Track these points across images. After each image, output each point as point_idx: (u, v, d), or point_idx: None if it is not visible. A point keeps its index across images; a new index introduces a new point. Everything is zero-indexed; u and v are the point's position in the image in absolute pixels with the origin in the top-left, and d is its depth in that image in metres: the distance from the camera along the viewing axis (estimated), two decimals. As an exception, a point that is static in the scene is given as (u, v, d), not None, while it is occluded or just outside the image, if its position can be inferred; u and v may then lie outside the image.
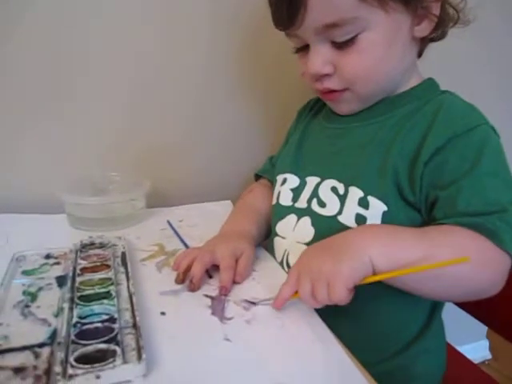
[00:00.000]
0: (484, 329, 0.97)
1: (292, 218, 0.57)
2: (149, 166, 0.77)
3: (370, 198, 0.50)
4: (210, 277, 0.52)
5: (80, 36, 0.70)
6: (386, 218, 0.50)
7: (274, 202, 0.62)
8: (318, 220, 0.55)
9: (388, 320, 0.54)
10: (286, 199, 0.59)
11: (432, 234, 0.45)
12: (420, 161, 0.48)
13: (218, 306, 0.47)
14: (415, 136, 0.50)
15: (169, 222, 0.68)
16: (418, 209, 0.50)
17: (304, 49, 0.54)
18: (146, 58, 0.74)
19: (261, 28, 0.74)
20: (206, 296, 0.49)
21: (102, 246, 0.57)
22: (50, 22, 0.68)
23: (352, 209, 0.51)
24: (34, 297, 0.47)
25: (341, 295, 0.42)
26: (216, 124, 0.82)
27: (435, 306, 0.56)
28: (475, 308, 0.66)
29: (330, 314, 0.45)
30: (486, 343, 1.24)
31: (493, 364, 1.20)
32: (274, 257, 0.59)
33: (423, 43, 0.56)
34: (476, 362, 1.08)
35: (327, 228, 0.52)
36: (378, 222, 0.50)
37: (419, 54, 0.57)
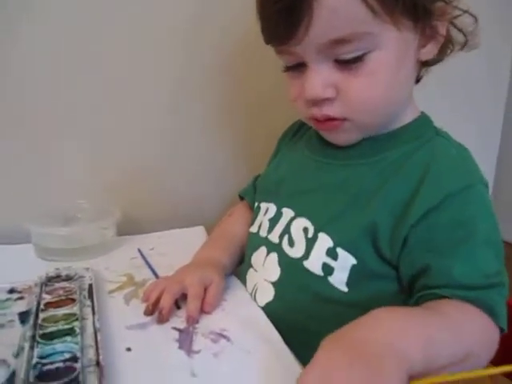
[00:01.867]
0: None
1: (263, 250, 0.56)
2: (119, 191, 0.76)
3: (339, 250, 0.47)
4: (179, 308, 0.51)
5: (48, 56, 0.69)
6: (356, 271, 0.47)
7: (255, 231, 0.59)
8: (284, 259, 0.52)
9: None
10: (263, 230, 0.57)
11: (454, 317, 0.40)
12: (407, 221, 0.44)
13: (185, 339, 0.47)
14: (403, 190, 0.46)
15: (139, 251, 0.67)
16: (393, 265, 0.46)
17: (297, 67, 0.48)
18: (115, 79, 0.74)
19: (248, 41, 0.72)
20: (174, 329, 0.48)
21: (68, 278, 0.55)
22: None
23: (319, 257, 0.49)
24: (-6, 335, 0.46)
25: None
26: (188, 148, 0.81)
27: None
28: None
29: (301, 345, 0.42)
30: None
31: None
32: (246, 286, 0.59)
33: (421, 70, 0.52)
34: None
35: (292, 270, 0.51)
36: (346, 274, 0.47)
37: (417, 80, 0.53)
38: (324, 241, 0.49)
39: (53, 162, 0.74)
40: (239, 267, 0.63)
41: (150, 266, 0.62)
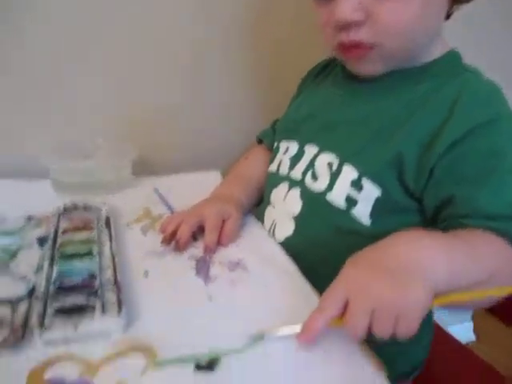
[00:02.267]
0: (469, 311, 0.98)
1: (284, 186, 0.55)
2: (137, 132, 0.75)
3: (365, 181, 0.47)
4: (196, 239, 0.51)
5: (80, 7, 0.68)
6: (379, 203, 0.46)
7: (274, 169, 0.59)
8: (306, 193, 0.52)
9: None
10: (284, 168, 0.57)
11: (477, 245, 0.39)
12: (434, 151, 0.43)
13: (202, 266, 0.47)
14: (431, 121, 0.45)
15: (156, 189, 0.67)
16: (416, 198, 0.46)
17: None
18: (136, 20, 0.71)
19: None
20: (192, 258, 0.48)
21: (85, 208, 0.55)
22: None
23: (343, 188, 0.48)
24: (13, 255, 0.46)
25: (414, 332, 0.33)
26: (207, 92, 0.79)
27: None
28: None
29: (321, 278, 0.41)
30: (470, 325, 1.26)
31: (476, 346, 1.21)
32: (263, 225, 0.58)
33: (451, 6, 0.48)
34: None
35: (315, 204, 0.51)
36: (370, 206, 0.46)
37: (447, 16, 0.50)
38: (348, 172, 0.48)
39: (70, 99, 0.72)
40: (256, 208, 0.63)
41: (166, 203, 0.62)
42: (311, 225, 0.51)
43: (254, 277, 0.45)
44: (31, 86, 0.71)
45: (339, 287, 0.35)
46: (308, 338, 0.35)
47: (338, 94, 0.56)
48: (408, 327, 0.33)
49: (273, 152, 0.62)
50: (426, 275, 0.34)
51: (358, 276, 0.35)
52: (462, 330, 1.22)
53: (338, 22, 0.46)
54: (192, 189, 0.69)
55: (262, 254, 0.50)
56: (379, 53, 0.47)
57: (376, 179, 0.46)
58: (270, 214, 0.57)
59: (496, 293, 0.37)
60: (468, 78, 0.48)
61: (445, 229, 0.43)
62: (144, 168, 0.73)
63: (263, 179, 0.62)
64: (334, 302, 0.34)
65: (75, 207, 0.56)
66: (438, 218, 0.45)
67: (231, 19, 0.76)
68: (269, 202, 0.57)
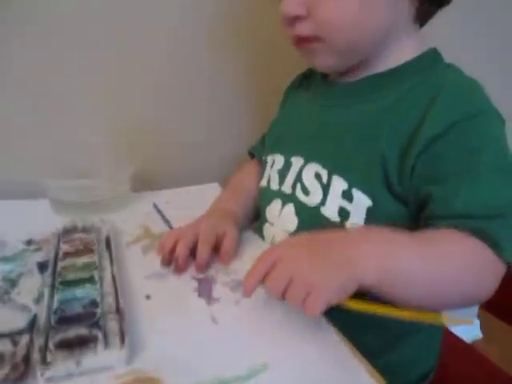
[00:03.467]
0: (475, 309, 0.98)
1: (277, 203, 0.55)
2: (134, 147, 0.74)
3: (355, 191, 0.46)
4: (195, 258, 0.51)
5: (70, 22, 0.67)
6: (371, 213, 0.46)
7: (264, 184, 0.59)
8: (301, 209, 0.52)
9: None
10: (274, 183, 0.56)
11: (430, 244, 0.40)
12: (412, 150, 0.43)
13: (204, 287, 0.46)
14: (409, 121, 0.45)
15: (154, 205, 0.66)
16: (406, 202, 0.45)
17: None
18: (132, 37, 0.71)
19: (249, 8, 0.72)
20: (193, 278, 0.48)
21: (85, 229, 0.55)
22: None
23: (335, 201, 0.48)
24: (13, 283, 0.46)
25: (316, 311, 0.35)
26: (202, 105, 0.79)
27: None
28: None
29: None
30: (476, 322, 1.25)
31: (483, 344, 1.21)
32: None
33: (423, 4, 0.48)
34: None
35: (310, 219, 0.50)
36: (362, 217, 0.46)
37: (421, 21, 0.50)
38: (339, 183, 0.48)
39: (66, 116, 0.72)
40: (254, 224, 0.62)
41: (165, 219, 0.62)
42: None
43: (257, 294, 0.45)
44: (28, 105, 0.70)
45: (269, 253, 0.39)
46: (246, 293, 0.39)
47: (318, 103, 0.56)
48: (312, 306, 0.35)
49: (262, 166, 0.62)
50: (354, 272, 0.37)
51: (294, 249, 0.39)
52: (469, 328, 1.22)
53: (283, 16, 0.48)
54: (191, 202, 0.69)
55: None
56: (326, 46, 0.48)
57: (365, 189, 0.46)
58: (268, 231, 0.56)
59: (415, 317, 0.37)
60: (447, 75, 0.47)
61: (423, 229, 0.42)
62: (142, 183, 0.72)
63: (257, 190, 0.62)
64: (264, 265, 0.38)
65: (75, 228, 0.56)
66: (419, 218, 0.44)
67: (225, 31, 0.76)
68: (265, 220, 0.57)
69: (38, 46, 0.68)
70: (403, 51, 0.49)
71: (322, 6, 0.45)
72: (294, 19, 0.48)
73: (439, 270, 0.39)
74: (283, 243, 0.43)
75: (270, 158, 0.59)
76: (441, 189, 0.42)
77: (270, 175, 0.58)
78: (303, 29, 0.48)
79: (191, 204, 0.67)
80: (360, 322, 0.41)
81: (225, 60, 0.78)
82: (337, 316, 0.40)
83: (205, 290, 0.46)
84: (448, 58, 0.50)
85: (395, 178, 0.45)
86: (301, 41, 0.50)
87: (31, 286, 0.45)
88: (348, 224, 0.47)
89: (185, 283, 0.47)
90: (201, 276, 0.48)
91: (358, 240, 0.40)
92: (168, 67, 0.76)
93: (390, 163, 0.45)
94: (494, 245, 0.39)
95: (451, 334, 0.73)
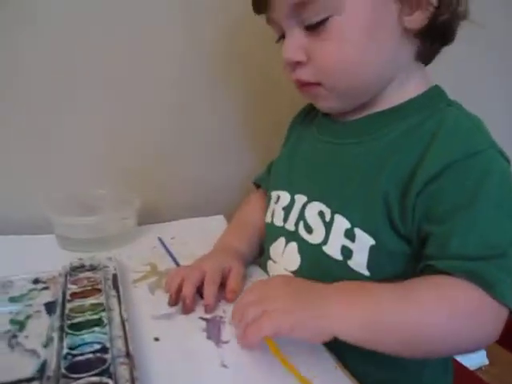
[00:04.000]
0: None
1: (281, 241, 0.55)
2: (138, 180, 0.76)
3: (357, 231, 0.46)
4: (202, 297, 0.51)
5: (70, 52, 0.69)
6: (374, 252, 0.46)
7: (269, 220, 0.59)
8: (303, 247, 0.52)
9: None
10: (278, 219, 0.56)
11: (413, 293, 0.40)
12: (413, 189, 0.43)
13: (213, 328, 0.46)
14: (410, 160, 0.44)
15: (160, 240, 0.67)
16: (409, 241, 0.45)
17: (284, 37, 0.50)
18: (131, 69, 0.73)
19: (250, 31, 0.73)
20: (201, 318, 0.48)
21: (92, 268, 0.55)
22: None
23: (338, 240, 0.48)
24: (21, 326, 0.46)
25: (255, 336, 0.39)
26: (206, 137, 0.80)
27: None
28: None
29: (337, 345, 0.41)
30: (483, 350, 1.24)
31: (490, 370, 1.20)
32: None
33: (424, 43, 0.48)
34: (473, 368, 1.08)
35: (313, 257, 0.50)
36: (365, 255, 0.46)
37: (424, 59, 0.50)
38: (341, 222, 0.48)
39: (71, 151, 0.73)
40: (260, 259, 0.62)
41: (171, 255, 0.62)
42: (311, 279, 0.51)
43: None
44: (33, 141, 0.71)
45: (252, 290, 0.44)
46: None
47: (321, 139, 0.56)
48: (257, 329, 0.39)
49: (266, 200, 0.62)
50: (322, 322, 0.39)
51: (273, 288, 0.43)
52: (476, 355, 1.21)
53: (284, 61, 0.49)
54: (197, 235, 0.69)
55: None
56: (326, 91, 0.49)
57: (368, 228, 0.46)
58: (272, 268, 0.57)
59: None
60: (448, 113, 0.47)
61: (421, 271, 0.42)
62: (146, 216, 0.73)
63: (263, 225, 0.62)
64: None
65: (82, 266, 0.56)
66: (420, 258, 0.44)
67: (222, 66, 0.77)
68: (269, 257, 0.57)
69: (38, 84, 0.69)
70: (406, 90, 0.49)
71: (321, 52, 0.46)
72: (295, 64, 0.49)
73: (420, 321, 0.39)
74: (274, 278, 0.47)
75: (274, 194, 0.59)
76: (438, 229, 0.42)
77: (274, 210, 0.58)
78: (303, 74, 0.49)
79: (196, 237, 0.68)
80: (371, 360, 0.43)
81: (226, 95, 0.80)
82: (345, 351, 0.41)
83: (213, 331, 0.45)
84: (455, 94, 0.51)
85: (397, 217, 0.45)
86: (302, 85, 0.50)
87: (39, 328, 0.45)
88: (351, 263, 0.47)
89: (193, 323, 0.47)
90: (208, 316, 0.48)
91: (339, 297, 0.41)
92: (170, 103, 0.77)
93: (393, 202, 0.45)
94: (489, 288, 0.38)
95: (456, 361, 0.72)
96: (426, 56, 0.50)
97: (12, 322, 0.46)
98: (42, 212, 0.64)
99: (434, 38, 0.48)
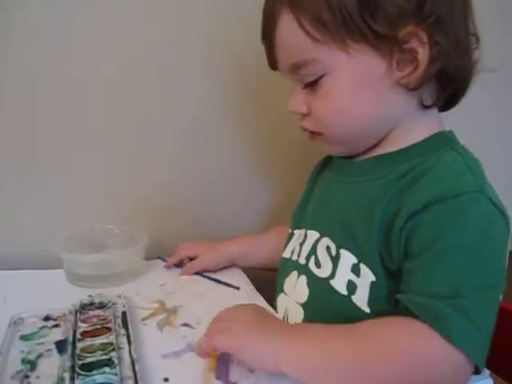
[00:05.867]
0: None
1: (294, 274, 0.57)
2: (146, 216, 0.77)
3: (362, 266, 0.48)
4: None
5: (72, 88, 0.71)
6: (374, 289, 0.47)
7: (287, 256, 0.60)
8: (312, 280, 0.53)
9: None
10: (295, 255, 0.59)
11: (359, 335, 0.43)
12: (396, 225, 0.45)
13: (221, 367, 0.46)
14: (398, 199, 0.46)
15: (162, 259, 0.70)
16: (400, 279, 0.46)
17: None
18: (138, 106, 0.75)
19: (264, 73, 0.75)
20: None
21: (101, 305, 0.56)
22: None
23: (345, 274, 0.49)
24: (33, 365, 0.46)
25: (207, 345, 0.47)
26: (211, 173, 0.82)
27: None
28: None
29: None
30: (489, 382, 1.22)
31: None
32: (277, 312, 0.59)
33: (430, 92, 0.49)
34: (482, 402, 1.06)
35: (320, 291, 0.52)
36: (367, 292, 0.47)
37: (435, 105, 0.50)
38: (347, 257, 0.50)
39: (80, 188, 0.75)
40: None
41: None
42: (317, 311, 0.52)
43: (275, 376, 0.45)
44: (41, 176, 0.73)
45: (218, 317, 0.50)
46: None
47: (334, 178, 0.59)
48: (212, 338, 0.46)
49: (287, 237, 0.64)
50: (270, 356, 0.43)
51: (235, 314, 0.49)
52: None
53: (291, 112, 0.53)
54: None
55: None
56: (327, 139, 0.53)
57: (370, 264, 0.48)
58: (282, 301, 0.58)
59: None
60: (446, 155, 0.47)
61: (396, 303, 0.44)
62: (154, 250, 0.74)
63: (273, 249, 0.68)
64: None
65: (91, 303, 0.57)
66: None
67: (234, 104, 0.80)
68: (282, 290, 0.58)
69: (54, 121, 0.72)
70: (411, 134, 0.50)
71: (317, 107, 0.51)
72: (301, 116, 0.53)
73: (362, 363, 0.41)
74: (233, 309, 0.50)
75: (297, 232, 0.61)
76: (409, 264, 0.44)
77: (294, 247, 0.60)
78: (307, 124, 0.53)
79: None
80: None
81: (241, 133, 0.82)
82: None
83: (222, 371, 0.46)
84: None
85: (386, 254, 0.46)
86: (308, 132, 0.55)
87: (50, 368, 0.46)
88: (354, 298, 0.48)
89: (202, 361, 0.47)
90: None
91: (291, 341, 0.44)
92: (179, 153, 0.79)
93: (381, 241, 0.46)
94: (439, 326, 0.39)
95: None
96: (435, 103, 0.50)
97: (23, 361, 0.47)
98: (51, 248, 0.65)
99: (439, 88, 0.49)
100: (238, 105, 0.80)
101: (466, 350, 0.39)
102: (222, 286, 0.65)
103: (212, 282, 0.66)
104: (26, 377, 0.45)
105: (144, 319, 0.56)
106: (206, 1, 0.74)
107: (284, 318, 0.56)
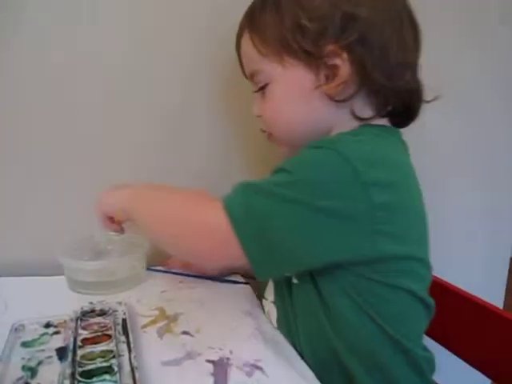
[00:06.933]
0: (488, 381, 0.96)
1: None
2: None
3: None
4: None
5: (76, 96, 0.72)
6: None
7: None
8: None
9: None
10: None
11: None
12: None
13: (220, 372, 0.47)
14: None
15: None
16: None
17: None
18: (129, 108, 0.76)
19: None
20: (208, 361, 0.49)
21: (102, 313, 0.56)
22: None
23: None
24: (34, 372, 0.47)
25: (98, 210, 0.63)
26: (216, 187, 0.82)
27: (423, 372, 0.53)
28: (479, 361, 0.66)
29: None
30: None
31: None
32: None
33: (363, 105, 0.53)
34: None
35: None
36: None
37: (373, 118, 0.54)
38: None
39: (81, 196, 0.75)
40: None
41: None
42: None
43: (272, 379, 0.46)
44: (43, 184, 0.74)
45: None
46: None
47: None
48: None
49: None
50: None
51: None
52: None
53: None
54: (204, 280, 0.71)
55: (276, 348, 0.51)
56: (275, 139, 0.60)
57: None
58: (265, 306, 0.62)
59: None
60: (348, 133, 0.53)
61: None
62: (155, 258, 0.74)
63: None
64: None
65: (92, 310, 0.57)
66: None
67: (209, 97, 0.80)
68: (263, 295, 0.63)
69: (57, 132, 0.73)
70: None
71: (264, 110, 0.58)
72: (259, 117, 0.60)
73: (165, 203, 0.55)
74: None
75: None
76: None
77: None
78: (262, 125, 0.61)
79: (204, 282, 0.69)
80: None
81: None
82: None
83: (220, 376, 0.46)
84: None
85: None
86: (266, 134, 0.62)
87: (51, 375, 0.46)
88: None
89: (201, 367, 0.48)
90: (214, 359, 0.49)
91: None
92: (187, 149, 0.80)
93: None
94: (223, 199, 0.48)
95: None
96: (376, 115, 0.54)
97: (24, 368, 0.47)
98: (52, 254, 0.66)
99: (373, 103, 0.54)
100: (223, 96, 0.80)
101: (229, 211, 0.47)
102: (222, 294, 0.66)
103: (213, 288, 0.65)
104: (27, 384, 0.45)
105: (144, 326, 0.56)
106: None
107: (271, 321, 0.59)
